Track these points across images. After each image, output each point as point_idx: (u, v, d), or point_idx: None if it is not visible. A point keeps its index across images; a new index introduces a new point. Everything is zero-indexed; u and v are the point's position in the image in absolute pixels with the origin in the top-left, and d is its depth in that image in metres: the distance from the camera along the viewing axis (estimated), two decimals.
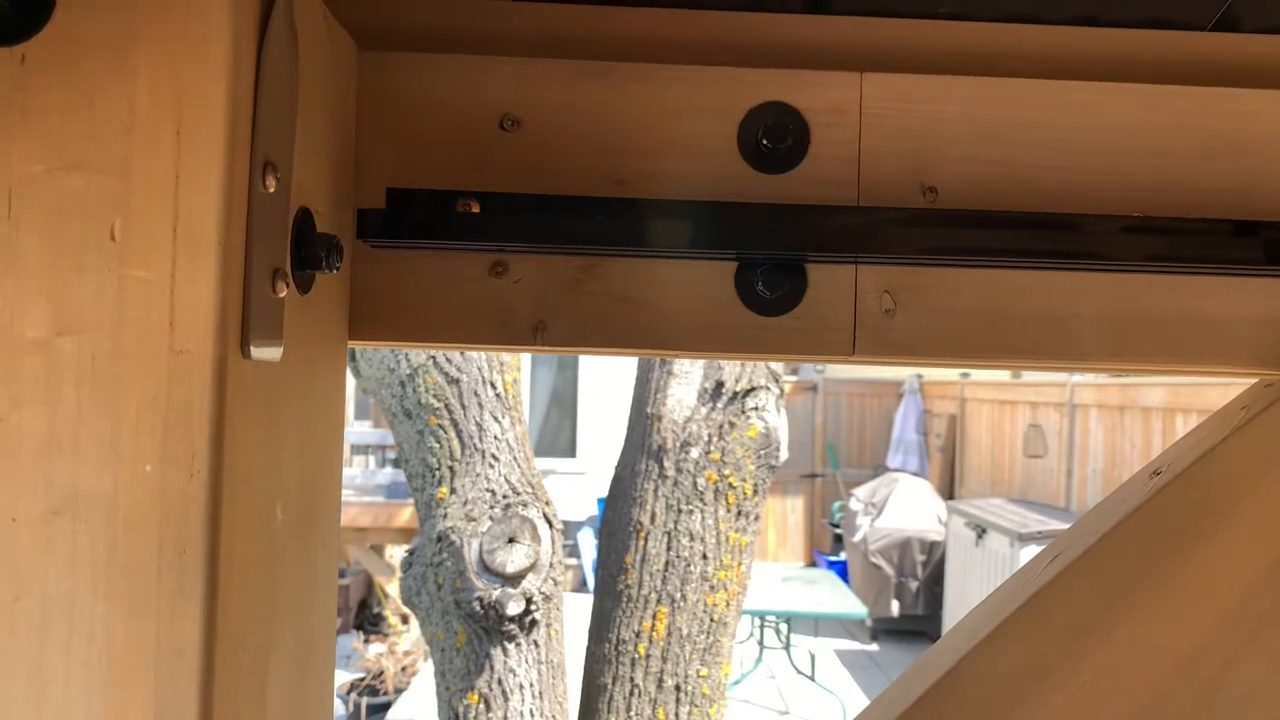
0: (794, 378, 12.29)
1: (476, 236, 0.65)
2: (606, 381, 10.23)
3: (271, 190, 0.51)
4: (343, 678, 6.96)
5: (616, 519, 2.38)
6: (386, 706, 6.51)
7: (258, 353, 0.50)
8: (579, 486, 9.86)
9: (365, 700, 6.45)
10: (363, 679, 6.70)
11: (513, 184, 0.67)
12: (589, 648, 2.37)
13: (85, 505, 0.46)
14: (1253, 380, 0.71)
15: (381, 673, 6.77)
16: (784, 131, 0.67)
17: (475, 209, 0.66)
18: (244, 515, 0.49)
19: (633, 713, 2.21)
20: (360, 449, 9.50)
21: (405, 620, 7.64)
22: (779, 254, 0.66)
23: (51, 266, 0.46)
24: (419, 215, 0.65)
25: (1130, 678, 0.65)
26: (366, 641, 7.45)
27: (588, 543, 9.09)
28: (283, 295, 0.53)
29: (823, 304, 0.68)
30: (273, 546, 0.54)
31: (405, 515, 7.61)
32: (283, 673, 0.56)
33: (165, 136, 0.47)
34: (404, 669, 6.89)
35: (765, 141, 0.67)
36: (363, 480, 8.49)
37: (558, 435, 10.86)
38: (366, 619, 8.57)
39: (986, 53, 0.69)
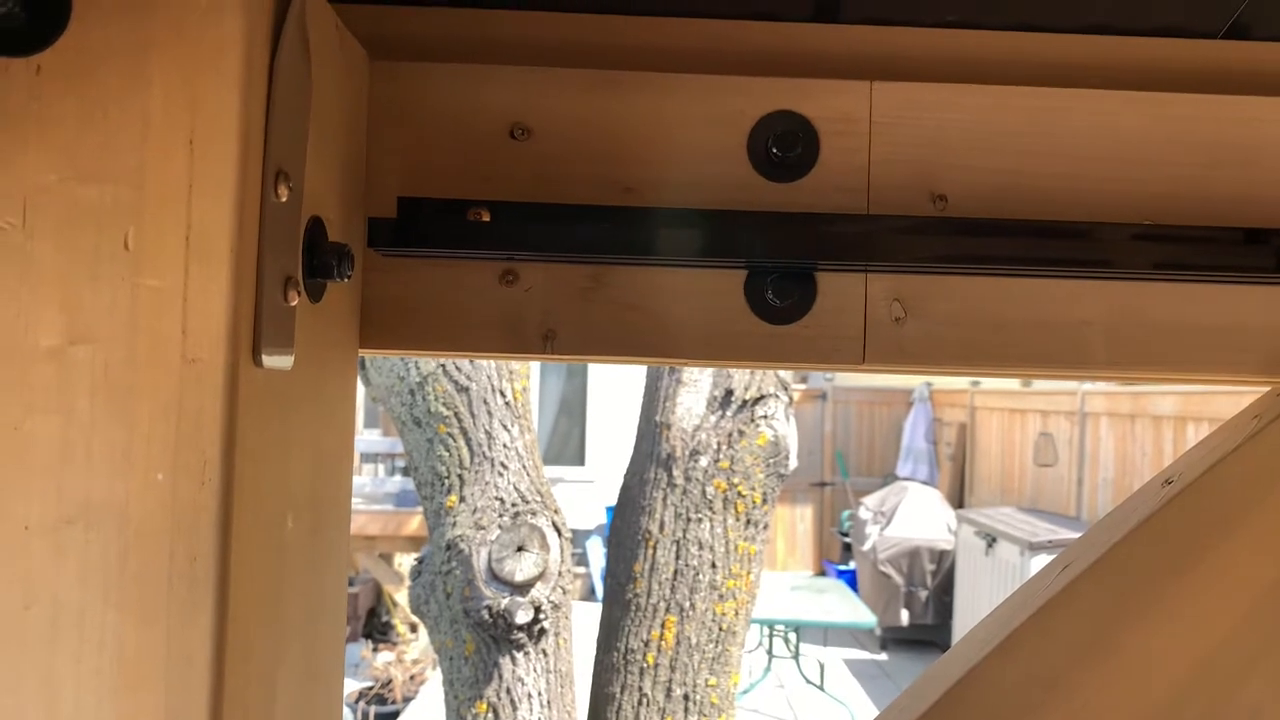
0: (803, 386, 12.28)
1: (487, 245, 0.66)
2: (615, 390, 10.23)
3: (284, 199, 0.51)
4: (351, 686, 6.96)
5: (625, 527, 2.38)
6: (395, 715, 6.50)
7: (269, 361, 0.50)
8: (587, 495, 9.85)
9: (374, 709, 6.45)
10: (371, 688, 6.69)
11: (523, 193, 0.68)
12: (597, 656, 2.37)
13: (97, 513, 0.46)
14: (1264, 389, 0.71)
15: (390, 681, 6.77)
16: (794, 140, 0.67)
17: (485, 218, 0.66)
18: (254, 524, 0.50)
19: None
20: (369, 457, 9.52)
21: (414, 629, 7.64)
22: (789, 262, 0.67)
23: (65, 275, 0.47)
24: (429, 224, 0.66)
25: (1139, 689, 0.64)
26: (375, 650, 7.45)
27: (596, 551, 9.08)
28: (294, 304, 0.53)
29: (833, 312, 0.68)
30: (283, 555, 0.54)
31: (414, 523, 7.62)
32: (291, 681, 0.56)
33: (178, 146, 0.47)
34: (412, 678, 6.89)
35: (775, 150, 0.67)
36: (372, 488, 8.50)
37: (566, 443, 10.86)
38: (375, 627, 8.57)
39: (996, 61, 0.69)
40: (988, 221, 0.66)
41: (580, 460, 10.74)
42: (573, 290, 0.68)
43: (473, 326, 0.68)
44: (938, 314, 0.68)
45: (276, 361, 0.51)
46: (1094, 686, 0.64)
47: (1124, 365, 0.68)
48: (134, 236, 0.47)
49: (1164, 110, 0.69)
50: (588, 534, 9.49)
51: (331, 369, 0.63)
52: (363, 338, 0.68)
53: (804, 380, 13.24)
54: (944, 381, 11.76)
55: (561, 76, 0.68)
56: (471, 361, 2.22)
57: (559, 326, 0.68)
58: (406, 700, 6.68)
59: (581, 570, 9.30)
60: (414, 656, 7.17)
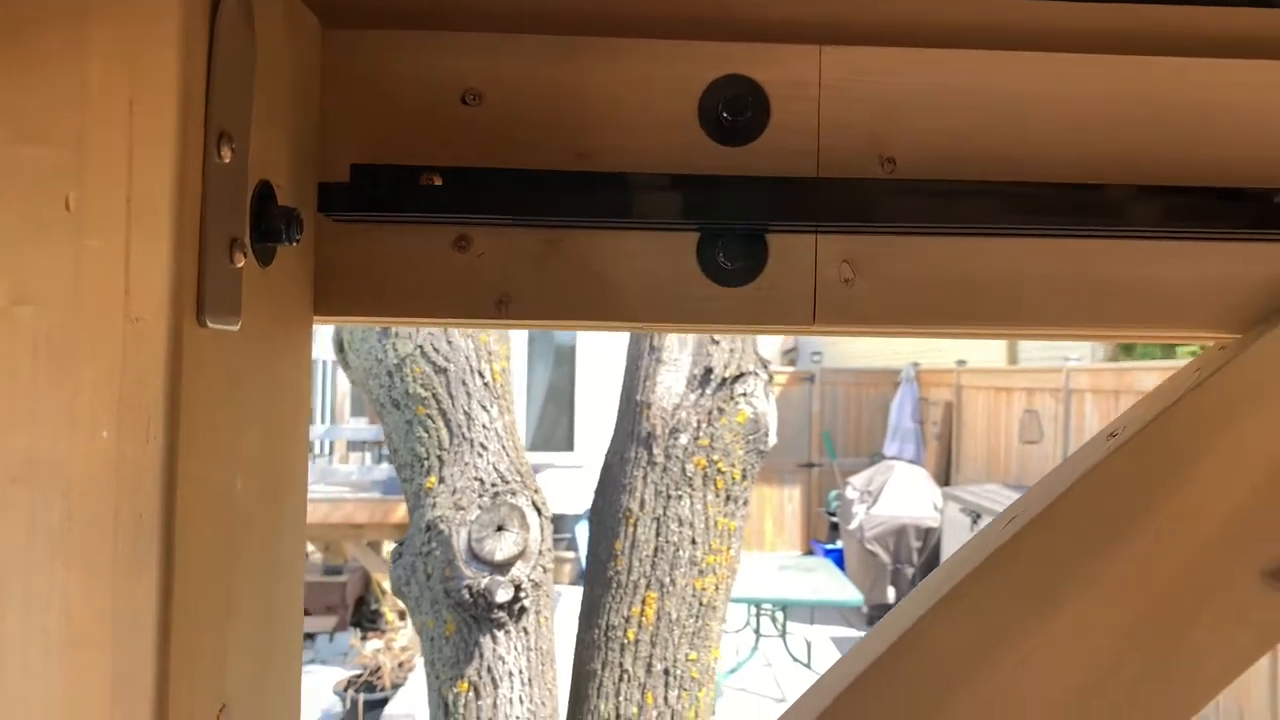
0: (791, 368, 12.33)
1: (439, 210, 0.66)
2: (603, 375, 10.24)
3: (227, 161, 0.52)
4: (340, 674, 6.98)
5: (606, 506, 2.39)
6: (384, 702, 6.53)
7: (215, 322, 0.51)
8: (577, 480, 9.87)
9: (363, 696, 6.47)
10: (360, 675, 6.71)
11: (476, 158, 0.68)
12: (579, 634, 2.38)
13: (42, 471, 0.46)
14: (1208, 343, 0.72)
15: (379, 668, 6.79)
16: (744, 104, 0.68)
17: (438, 183, 0.67)
18: (201, 483, 0.50)
19: (622, 697, 2.23)
20: (356, 445, 9.50)
21: (403, 616, 7.66)
22: (740, 225, 0.67)
23: (6, 237, 0.47)
24: (382, 189, 0.66)
25: (1086, 640, 0.66)
26: (364, 638, 7.47)
27: (585, 536, 9.10)
28: (240, 265, 0.53)
29: (783, 274, 0.68)
30: (233, 515, 0.55)
31: (402, 511, 7.62)
32: (245, 641, 0.56)
33: (118, 109, 0.48)
34: (401, 664, 6.91)
35: (725, 114, 0.68)
36: (359, 476, 8.49)
37: (555, 429, 10.87)
38: (364, 616, 8.59)
39: (945, 24, 0.69)
40: (935, 183, 0.67)
41: (569, 446, 10.76)
42: (525, 255, 0.68)
43: (426, 293, 0.68)
44: (887, 275, 0.69)
45: (223, 323, 0.52)
46: (1040, 638, 0.65)
47: (1071, 323, 0.69)
48: (75, 198, 0.47)
49: (1113, 73, 0.70)
50: (577, 519, 9.51)
51: (285, 335, 0.63)
52: (318, 306, 0.69)
53: (792, 363, 13.26)
54: (930, 361, 11.82)
55: (512, 43, 0.68)
56: (449, 341, 2.22)
57: (512, 292, 0.68)
58: (395, 687, 6.70)
59: (570, 555, 9.33)
60: (403, 644, 7.19)
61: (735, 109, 0.68)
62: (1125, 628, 0.66)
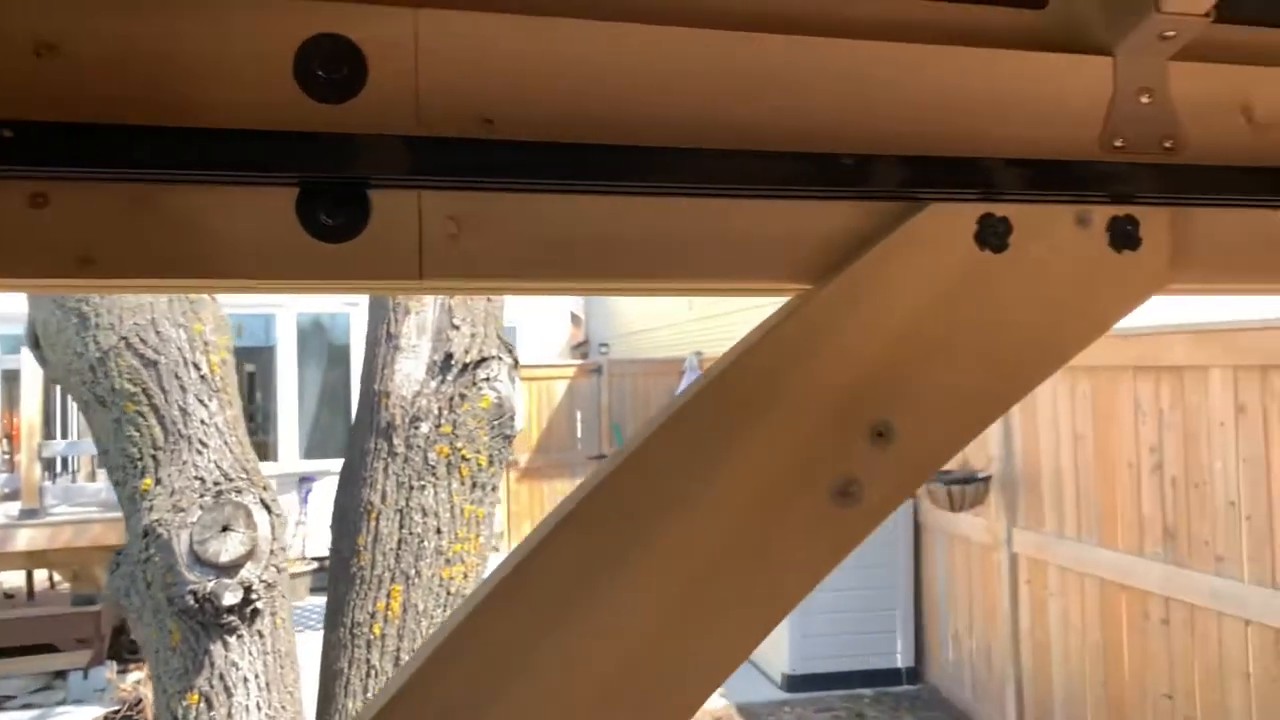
0: (581, 361, 12.47)
1: (9, 164, 0.62)
2: None
3: None
4: (96, 712, 6.40)
5: (347, 501, 2.33)
6: None
7: None
8: None
9: None
10: (118, 711, 6.18)
11: (53, 113, 0.65)
12: (325, 635, 2.31)
13: None
14: (790, 295, 0.80)
15: (139, 701, 6.27)
16: (339, 62, 0.69)
17: (8, 136, 0.63)
18: None
19: (370, 694, 2.18)
20: None
21: None
22: (338, 178, 0.68)
23: None
24: None
25: (683, 558, 0.72)
26: (123, 670, 6.87)
27: None
28: None
29: (387, 231, 0.70)
30: None
31: None
32: None
33: None
34: None
35: (321, 71, 0.68)
36: (108, 494, 7.79)
37: (330, 435, 10.42)
38: (123, 646, 7.90)
39: None
40: (530, 143, 0.71)
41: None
42: (110, 213, 0.66)
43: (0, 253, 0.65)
44: (492, 231, 0.72)
45: None
46: (644, 557, 0.71)
47: (664, 277, 0.75)
48: None
49: (703, 43, 0.76)
50: None
51: None
52: None
53: (583, 355, 13.43)
54: (712, 349, 12.32)
55: None
56: (158, 332, 2.08)
57: (96, 252, 0.66)
58: None
59: None
60: None
61: (331, 66, 0.68)
62: (718, 545, 0.73)
